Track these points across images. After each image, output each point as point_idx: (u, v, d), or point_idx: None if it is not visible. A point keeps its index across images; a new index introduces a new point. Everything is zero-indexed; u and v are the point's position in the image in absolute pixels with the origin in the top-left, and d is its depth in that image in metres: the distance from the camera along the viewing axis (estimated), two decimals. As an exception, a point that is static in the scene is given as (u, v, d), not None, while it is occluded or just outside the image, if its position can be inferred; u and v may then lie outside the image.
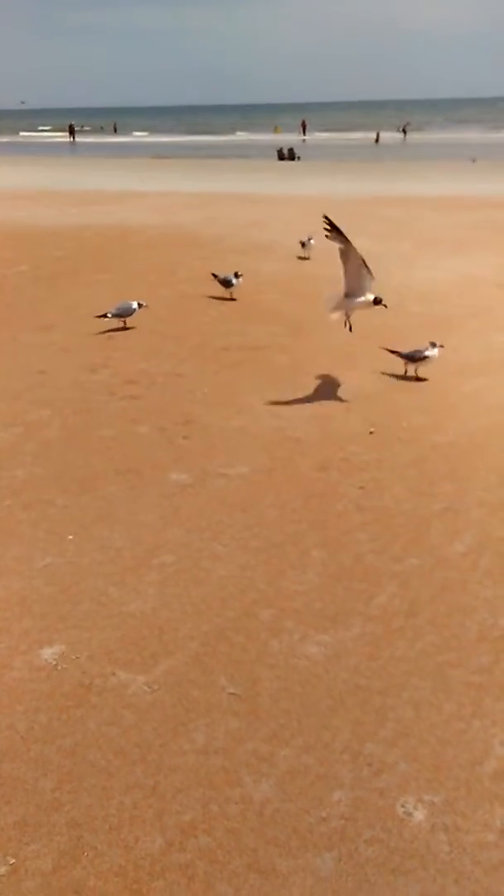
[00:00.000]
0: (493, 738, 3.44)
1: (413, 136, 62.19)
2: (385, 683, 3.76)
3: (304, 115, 78.41)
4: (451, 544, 4.94)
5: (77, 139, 68.57)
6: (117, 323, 9.91)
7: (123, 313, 9.85)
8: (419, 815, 3.09)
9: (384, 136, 59.09)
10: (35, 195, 24.19)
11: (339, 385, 7.68)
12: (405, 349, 7.84)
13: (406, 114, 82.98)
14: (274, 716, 3.59)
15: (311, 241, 13.65)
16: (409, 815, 3.09)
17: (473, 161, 36.93)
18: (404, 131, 66.30)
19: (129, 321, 9.90)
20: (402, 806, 3.13)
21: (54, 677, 3.85)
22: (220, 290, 11.29)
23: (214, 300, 11.03)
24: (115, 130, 78.23)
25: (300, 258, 13.80)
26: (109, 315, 9.84)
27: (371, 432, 6.56)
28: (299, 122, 68.58)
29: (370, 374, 7.93)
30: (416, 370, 7.84)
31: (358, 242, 15.03)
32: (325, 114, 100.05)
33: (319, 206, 20.29)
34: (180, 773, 3.30)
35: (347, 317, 7.65)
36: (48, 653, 4.01)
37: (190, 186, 26.08)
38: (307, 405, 7.19)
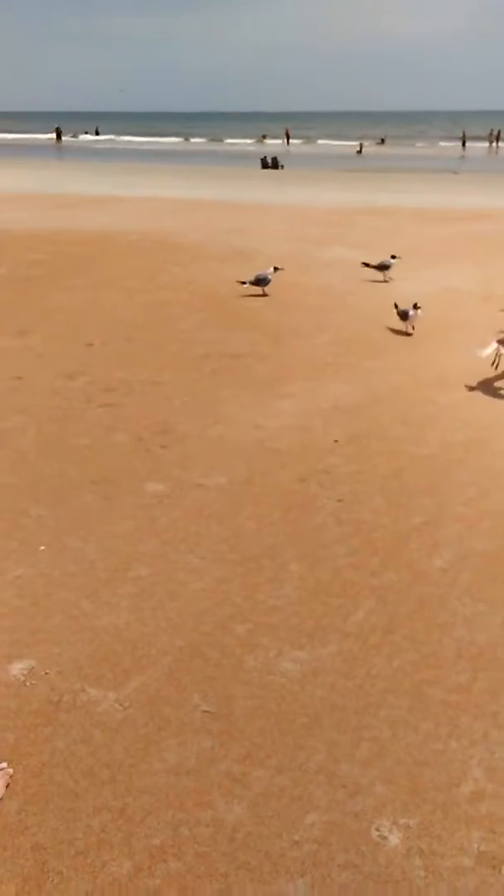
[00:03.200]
0: (471, 758, 3.38)
1: (394, 149, 62.54)
2: (361, 702, 3.70)
3: (289, 123, 78.59)
4: (429, 559, 4.89)
5: (62, 142, 68.41)
6: (257, 290, 11.38)
7: (261, 282, 11.29)
8: (394, 838, 3.02)
9: (367, 147, 59.34)
10: (15, 198, 24.00)
11: (319, 395, 7.63)
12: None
13: (388, 126, 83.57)
14: (248, 735, 3.51)
15: (420, 312, 9.57)
16: (385, 838, 3.03)
17: (455, 173, 37.21)
18: (382, 141, 66.83)
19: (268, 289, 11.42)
20: (377, 829, 3.06)
21: (23, 693, 3.74)
22: (197, 297, 11.24)
23: (194, 307, 10.96)
24: (98, 133, 78.00)
25: (403, 333, 9.73)
26: (248, 282, 11.32)
27: (335, 441, 6.52)
28: (283, 131, 68.81)
29: (350, 384, 7.89)
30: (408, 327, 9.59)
31: (338, 253, 15.08)
32: (310, 123, 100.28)
33: (302, 215, 20.37)
34: (150, 795, 3.21)
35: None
36: (17, 668, 3.91)
37: (172, 192, 25.99)
38: (287, 415, 7.13)
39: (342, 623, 4.27)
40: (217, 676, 3.87)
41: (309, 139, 71.26)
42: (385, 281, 12.28)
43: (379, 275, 12.44)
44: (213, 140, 74.12)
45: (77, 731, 3.53)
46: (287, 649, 4.06)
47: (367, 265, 12.31)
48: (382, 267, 12.28)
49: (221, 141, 72.72)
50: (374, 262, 12.47)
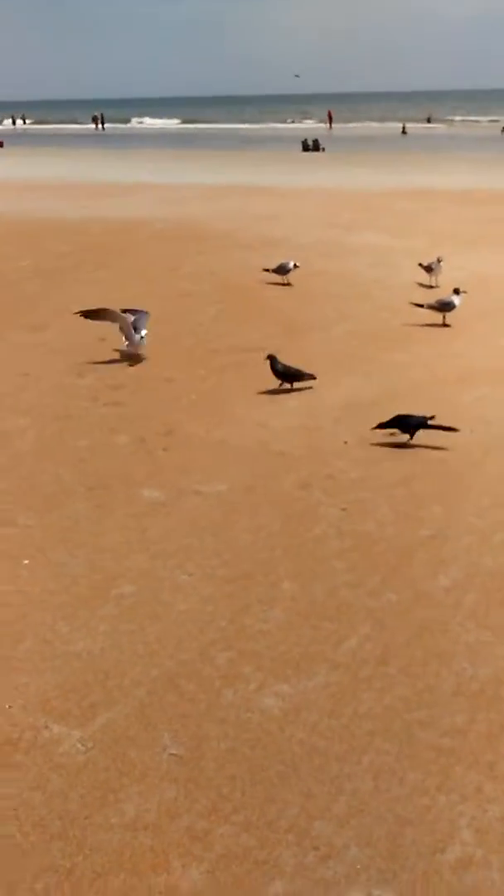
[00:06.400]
0: (460, 817, 3.02)
1: (440, 128, 61.23)
2: (345, 746, 3.36)
3: (331, 105, 77.32)
4: (434, 577, 4.51)
5: (96, 129, 68.27)
6: (279, 278, 11.25)
7: (283, 270, 11.17)
8: (366, 915, 2.69)
9: (411, 126, 58.05)
10: (49, 186, 23.90)
11: (331, 392, 7.24)
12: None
13: (432, 105, 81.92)
14: (216, 784, 3.20)
15: (441, 264, 10.66)
16: (355, 914, 2.69)
17: None
18: (429, 120, 65.92)
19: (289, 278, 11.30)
20: (348, 903, 2.73)
21: (-20, 730, 3.49)
22: (218, 287, 10.92)
23: (213, 298, 10.63)
24: (24, 121, 75.77)
25: (423, 286, 10.71)
26: (272, 270, 11.24)
27: (345, 443, 6.15)
28: (326, 113, 67.67)
29: (365, 380, 7.48)
30: (444, 318, 9.04)
31: (369, 238, 14.55)
32: (352, 104, 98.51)
33: (336, 199, 19.84)
34: (102, 854, 2.92)
35: None
36: (-22, 700, 3.66)
37: (208, 178, 25.60)
38: (295, 415, 6.77)
39: (332, 651, 3.93)
40: (191, 713, 3.56)
41: (350, 121, 70.03)
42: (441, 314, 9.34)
43: (424, 275, 10.85)
44: (254, 122, 73.32)
45: (33, 774, 3.26)
46: (270, 682, 3.74)
47: (420, 306, 9.23)
48: (445, 306, 9.10)
49: (261, 123, 72.01)
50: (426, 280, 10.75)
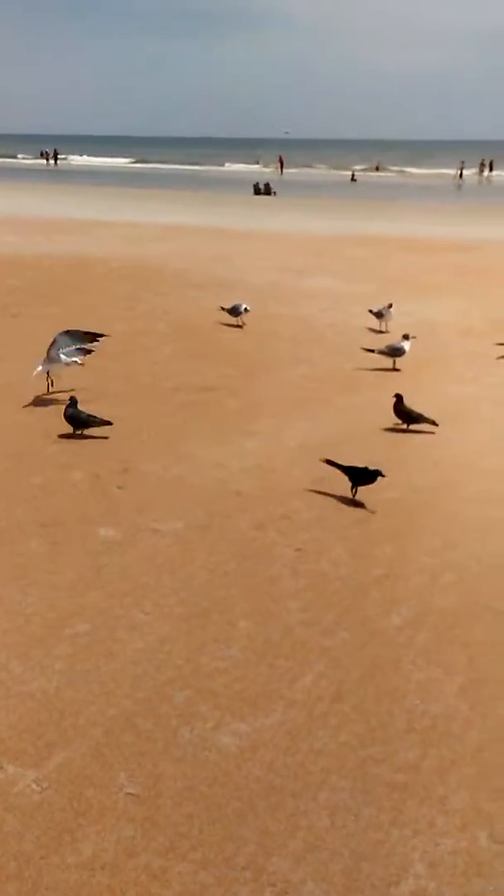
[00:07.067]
0: (413, 851, 3.09)
1: (389, 177, 63.17)
2: (300, 784, 3.41)
3: (283, 151, 79.05)
4: (387, 616, 4.62)
5: (47, 164, 68.54)
6: (232, 319, 11.35)
7: (234, 312, 11.25)
8: None
9: (359, 174, 59.75)
10: (1, 221, 23.86)
11: (286, 433, 7.37)
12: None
13: (379, 154, 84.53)
14: (174, 822, 3.21)
15: (391, 310, 11.02)
16: None
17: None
18: (377, 169, 68.08)
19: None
20: (305, 939, 2.77)
21: None
22: (174, 327, 11.03)
23: (169, 337, 10.74)
24: (56, 157, 75.43)
25: (374, 331, 11.11)
26: (226, 309, 11.30)
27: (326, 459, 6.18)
28: (277, 158, 69.10)
29: (320, 422, 7.65)
30: (394, 363, 9.31)
31: (320, 282, 14.91)
32: (304, 150, 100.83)
33: (289, 243, 20.27)
34: (59, 894, 2.91)
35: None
36: None
37: (161, 218, 25.90)
38: (252, 455, 6.87)
39: (288, 689, 3.99)
40: (148, 752, 3.58)
41: (303, 166, 71.69)
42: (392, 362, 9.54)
43: (374, 321, 11.21)
44: (207, 164, 74.44)
45: (-12, 815, 3.23)
46: (227, 720, 3.77)
47: (370, 351, 9.37)
48: (395, 351, 9.32)
49: (220, 166, 73.26)
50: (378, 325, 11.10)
